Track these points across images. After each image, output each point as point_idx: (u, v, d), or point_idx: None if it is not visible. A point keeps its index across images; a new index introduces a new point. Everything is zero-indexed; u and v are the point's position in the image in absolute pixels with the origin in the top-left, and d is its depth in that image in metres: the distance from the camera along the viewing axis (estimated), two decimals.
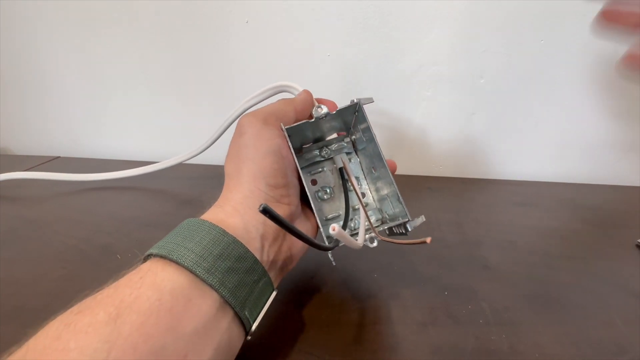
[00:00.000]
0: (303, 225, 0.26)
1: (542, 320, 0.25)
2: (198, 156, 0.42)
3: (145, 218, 0.41)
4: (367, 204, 0.29)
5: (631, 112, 0.43)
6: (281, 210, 0.24)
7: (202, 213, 0.23)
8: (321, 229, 0.25)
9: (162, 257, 0.19)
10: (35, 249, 0.36)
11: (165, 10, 0.50)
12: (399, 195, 0.26)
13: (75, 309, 0.17)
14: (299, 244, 0.25)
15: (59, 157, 0.62)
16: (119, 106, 0.58)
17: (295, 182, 0.26)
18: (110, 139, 0.62)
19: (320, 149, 0.29)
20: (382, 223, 0.28)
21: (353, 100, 0.27)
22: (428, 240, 0.20)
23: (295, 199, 0.25)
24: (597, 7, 0.39)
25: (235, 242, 0.21)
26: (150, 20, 0.51)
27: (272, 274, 0.23)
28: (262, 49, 0.49)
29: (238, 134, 0.25)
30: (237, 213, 0.22)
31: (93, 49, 0.55)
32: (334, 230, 0.18)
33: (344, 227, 0.27)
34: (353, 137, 0.30)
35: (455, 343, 0.24)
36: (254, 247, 0.22)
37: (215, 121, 0.55)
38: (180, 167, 0.45)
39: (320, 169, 0.29)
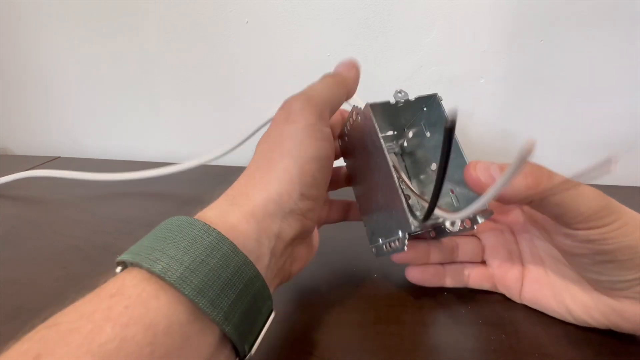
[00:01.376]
0: (313, 239, 0.25)
1: (542, 320, 0.25)
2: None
3: (145, 218, 0.41)
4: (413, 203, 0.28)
5: (631, 112, 0.43)
6: (301, 225, 0.21)
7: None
8: (408, 215, 0.22)
9: (152, 273, 0.15)
10: (35, 249, 0.36)
11: (165, 10, 0.50)
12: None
13: (43, 335, 0.13)
14: (301, 262, 0.24)
15: (59, 157, 0.61)
16: (119, 106, 0.58)
17: (326, 195, 0.23)
18: (110, 139, 0.62)
19: None
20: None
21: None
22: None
23: (317, 214, 0.23)
24: (599, 4, 0.39)
25: (246, 264, 0.17)
26: (150, 20, 0.51)
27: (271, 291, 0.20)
28: (262, 49, 0.49)
29: (284, 118, 0.22)
30: (252, 218, 0.19)
31: (93, 49, 0.55)
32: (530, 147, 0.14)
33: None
34: (402, 139, 0.30)
35: (455, 343, 0.24)
36: (262, 265, 0.18)
37: (215, 121, 0.55)
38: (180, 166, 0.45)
39: None
